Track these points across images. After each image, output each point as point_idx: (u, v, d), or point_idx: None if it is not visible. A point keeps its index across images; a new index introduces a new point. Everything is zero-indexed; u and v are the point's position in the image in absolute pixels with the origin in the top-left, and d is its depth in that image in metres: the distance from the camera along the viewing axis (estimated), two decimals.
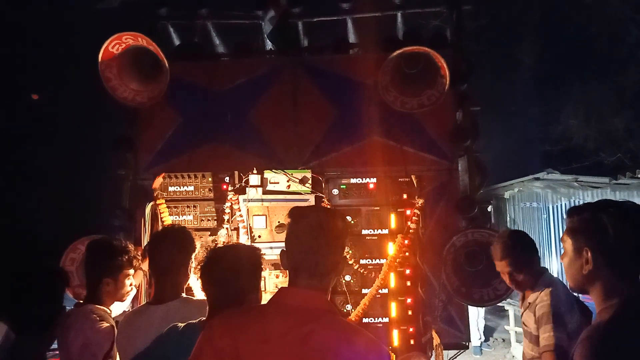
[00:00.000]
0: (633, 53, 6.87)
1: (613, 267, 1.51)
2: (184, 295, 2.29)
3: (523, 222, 9.57)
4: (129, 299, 2.54)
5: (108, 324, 2.24)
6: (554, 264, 8.44)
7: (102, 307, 2.34)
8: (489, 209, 10.30)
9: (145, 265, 2.86)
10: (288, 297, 1.49)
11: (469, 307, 3.93)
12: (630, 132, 7.13)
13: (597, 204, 1.60)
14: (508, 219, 10.05)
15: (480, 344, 8.25)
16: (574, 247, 1.56)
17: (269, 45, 4.42)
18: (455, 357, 4.00)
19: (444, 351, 3.80)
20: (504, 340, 8.94)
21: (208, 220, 3.13)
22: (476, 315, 8.03)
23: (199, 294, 2.44)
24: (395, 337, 3.06)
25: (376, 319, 3.08)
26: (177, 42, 4.31)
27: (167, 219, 3.06)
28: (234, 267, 1.83)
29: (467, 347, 3.75)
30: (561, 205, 8.41)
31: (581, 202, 9.16)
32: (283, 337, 1.39)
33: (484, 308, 7.83)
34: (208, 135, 3.60)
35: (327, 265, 1.49)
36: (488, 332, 9.03)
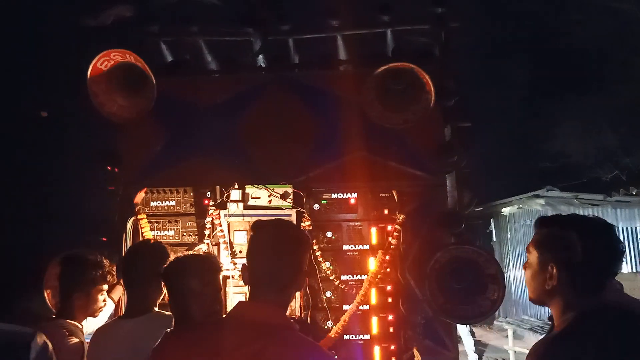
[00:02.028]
0: (627, 70, 6.89)
1: (576, 285, 1.50)
2: (156, 309, 2.28)
3: (524, 239, 9.50)
4: (103, 314, 2.52)
5: (77, 340, 2.23)
6: None
7: (73, 322, 2.33)
8: (491, 226, 10.25)
9: None
10: (245, 312, 1.48)
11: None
12: (626, 149, 7.11)
13: (566, 219, 1.58)
14: (509, 235, 9.99)
15: None
16: (539, 260, 1.55)
17: (260, 61, 4.47)
18: None
19: None
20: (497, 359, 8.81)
21: (189, 235, 3.13)
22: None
23: None
24: (377, 354, 3.02)
25: (357, 335, 3.04)
26: (169, 58, 4.36)
27: (148, 233, 3.06)
28: (197, 274, 1.83)
29: None
30: None
31: None
32: (235, 352, 1.37)
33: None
34: (195, 150, 3.62)
35: (285, 279, 1.48)
36: (481, 351, 8.91)
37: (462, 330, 8.17)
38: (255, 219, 3.14)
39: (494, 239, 10.34)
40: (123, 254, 3.05)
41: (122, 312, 2.95)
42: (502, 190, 8.93)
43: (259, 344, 1.38)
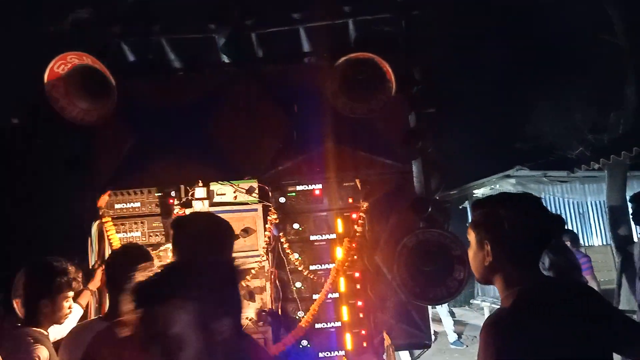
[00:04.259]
0: (594, 51, 7.08)
1: (511, 258, 1.57)
2: None
3: None
4: (69, 321, 2.52)
5: (43, 347, 2.23)
6: None
7: (38, 329, 2.33)
8: (465, 206, 10.38)
9: (93, 285, 2.86)
10: None
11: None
12: (590, 127, 7.31)
13: (495, 198, 1.66)
14: None
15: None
16: (476, 240, 1.62)
17: (224, 58, 4.45)
18: (419, 357, 4.03)
19: (415, 351, 3.84)
20: (475, 337, 9.01)
21: (156, 235, 3.13)
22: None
23: None
24: (348, 340, 3.08)
25: (328, 323, 3.10)
26: (132, 59, 4.32)
27: (114, 236, 3.05)
28: None
29: (429, 347, 3.78)
30: None
31: (551, 197, 9.31)
32: None
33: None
34: (159, 150, 3.62)
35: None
36: (460, 330, 9.09)
37: (442, 311, 8.35)
38: (221, 215, 3.18)
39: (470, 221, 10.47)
40: (90, 258, 3.05)
41: (92, 316, 2.96)
42: (478, 173, 9.08)
43: None
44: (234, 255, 1.60)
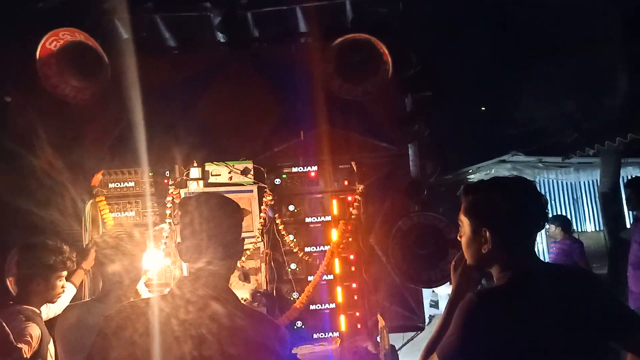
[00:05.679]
0: (587, 35, 7.04)
1: (508, 244, 1.56)
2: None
3: None
4: (62, 300, 2.51)
5: (34, 324, 2.22)
6: None
7: (31, 307, 2.32)
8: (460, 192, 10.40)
9: (87, 264, 2.85)
10: (188, 286, 1.47)
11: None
12: (585, 112, 7.32)
13: (489, 184, 1.64)
14: None
15: None
16: (472, 227, 1.60)
17: (219, 37, 4.39)
18: (412, 339, 4.07)
19: (403, 334, 3.87)
20: None
21: (151, 215, 3.11)
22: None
23: None
24: (343, 322, 3.10)
25: (323, 305, 3.11)
26: (124, 36, 4.24)
27: (108, 216, 3.03)
28: None
29: (423, 329, 3.80)
30: None
31: (546, 182, 9.34)
32: (182, 326, 1.39)
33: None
34: (156, 130, 3.57)
35: (223, 249, 1.49)
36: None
37: (442, 295, 8.36)
38: None
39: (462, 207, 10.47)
40: (84, 238, 3.03)
41: (86, 296, 2.95)
42: (473, 158, 9.08)
43: (209, 318, 1.40)
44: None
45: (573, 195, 9.41)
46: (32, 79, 3.49)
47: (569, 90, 7.67)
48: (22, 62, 3.57)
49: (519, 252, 1.57)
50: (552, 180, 9.05)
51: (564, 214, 9.26)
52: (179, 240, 1.50)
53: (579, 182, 9.08)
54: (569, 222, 5.94)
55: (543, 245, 8.56)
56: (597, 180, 8.32)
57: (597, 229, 9.22)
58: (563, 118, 7.90)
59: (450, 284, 1.75)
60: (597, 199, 9.09)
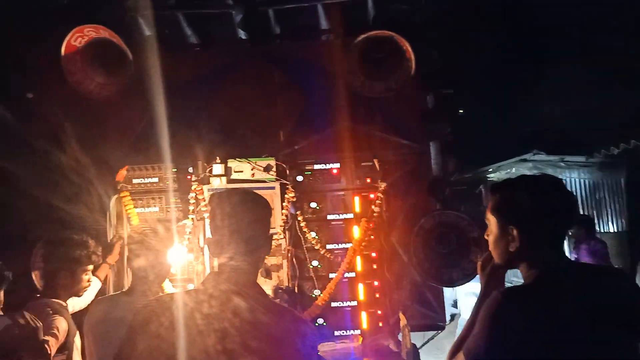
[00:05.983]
0: (609, 32, 6.91)
1: (536, 243, 1.53)
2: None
3: None
4: (87, 293, 2.54)
5: (61, 317, 2.25)
6: None
7: (57, 300, 2.35)
8: (480, 190, 10.29)
9: (111, 259, 2.88)
10: (217, 281, 1.48)
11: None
12: (606, 110, 7.18)
13: (516, 182, 1.62)
14: None
15: None
16: (499, 225, 1.58)
17: (241, 34, 4.40)
18: (433, 338, 4.04)
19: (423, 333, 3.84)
20: None
21: (174, 210, 3.13)
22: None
23: None
24: (364, 319, 3.08)
25: (344, 302, 3.10)
26: (147, 33, 4.27)
27: (132, 211, 3.06)
28: None
29: (443, 328, 3.77)
30: None
31: (568, 181, 9.17)
32: (211, 322, 1.40)
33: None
34: (180, 126, 3.60)
35: (253, 244, 1.49)
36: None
37: (463, 293, 8.20)
38: None
39: (484, 204, 10.37)
40: (108, 232, 3.06)
41: (111, 289, 2.99)
42: (492, 157, 8.97)
43: (232, 312, 1.40)
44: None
45: (596, 196, 9.22)
46: (57, 76, 3.54)
47: (594, 87, 7.53)
48: (47, 59, 3.62)
49: (546, 250, 1.54)
50: (575, 180, 8.88)
51: (586, 214, 9.08)
52: (208, 235, 1.51)
53: (603, 182, 8.89)
54: (593, 223, 5.83)
55: (566, 246, 8.40)
56: (621, 180, 8.13)
57: (619, 229, 9.03)
58: (587, 116, 7.75)
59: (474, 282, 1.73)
60: (620, 199, 8.89)
